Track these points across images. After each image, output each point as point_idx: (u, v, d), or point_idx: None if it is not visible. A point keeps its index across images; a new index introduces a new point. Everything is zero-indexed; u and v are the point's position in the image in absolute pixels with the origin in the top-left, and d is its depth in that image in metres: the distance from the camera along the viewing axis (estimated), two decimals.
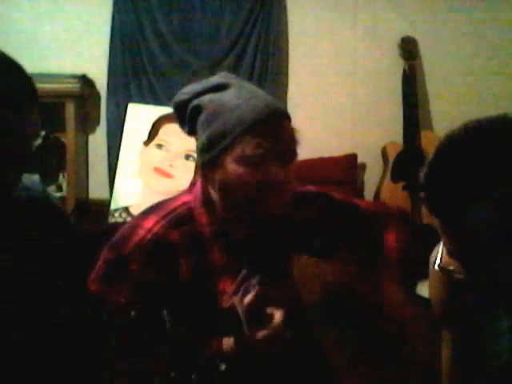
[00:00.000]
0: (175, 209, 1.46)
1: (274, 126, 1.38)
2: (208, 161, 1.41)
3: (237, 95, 1.40)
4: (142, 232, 1.41)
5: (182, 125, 1.49)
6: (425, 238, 1.48)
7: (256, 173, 1.36)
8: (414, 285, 1.62)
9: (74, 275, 1.33)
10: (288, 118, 1.43)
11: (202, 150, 1.41)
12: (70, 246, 1.40)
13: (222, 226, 1.45)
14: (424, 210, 3.29)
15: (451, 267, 1.09)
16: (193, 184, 1.53)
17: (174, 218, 1.44)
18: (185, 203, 1.47)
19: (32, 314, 1.25)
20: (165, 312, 1.05)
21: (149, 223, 1.43)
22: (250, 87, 1.46)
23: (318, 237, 1.52)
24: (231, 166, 1.37)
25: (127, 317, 1.02)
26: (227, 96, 1.40)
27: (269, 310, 1.35)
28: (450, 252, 1.05)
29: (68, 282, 1.29)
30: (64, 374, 1.25)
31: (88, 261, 1.41)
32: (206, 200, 1.46)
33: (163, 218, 1.44)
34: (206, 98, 1.41)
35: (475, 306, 1.16)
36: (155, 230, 1.42)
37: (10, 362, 1.25)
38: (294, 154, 1.41)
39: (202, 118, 1.41)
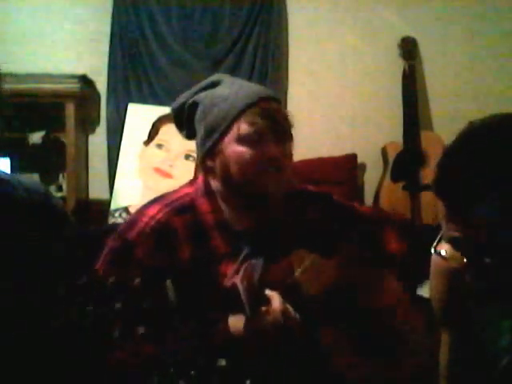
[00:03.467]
0: (177, 199, 1.51)
1: (267, 108, 1.45)
2: (208, 149, 1.46)
3: (229, 87, 1.48)
4: (145, 219, 1.46)
5: (181, 128, 1.56)
6: (424, 239, 1.48)
7: (254, 150, 1.42)
8: (415, 286, 1.62)
9: (73, 276, 1.33)
10: (280, 103, 1.51)
11: (202, 141, 1.47)
12: (71, 248, 1.40)
13: (224, 214, 1.49)
14: (424, 210, 3.30)
15: (446, 254, 1.09)
16: (194, 179, 1.57)
17: (177, 206, 1.49)
18: (187, 194, 1.52)
19: (32, 314, 1.25)
20: (168, 282, 1.05)
21: (152, 211, 1.47)
22: (241, 80, 1.55)
23: (319, 235, 1.53)
24: (230, 148, 1.43)
25: (131, 283, 1.02)
26: (220, 89, 1.49)
27: (266, 292, 1.37)
28: (451, 239, 1.05)
29: (68, 282, 1.29)
30: (66, 371, 1.25)
31: (87, 260, 1.42)
32: (208, 190, 1.50)
33: (166, 206, 1.48)
34: (201, 95, 1.50)
35: (475, 305, 1.16)
36: (158, 217, 1.46)
37: (11, 362, 1.25)
38: (290, 134, 1.48)
39: (198, 112, 1.48)
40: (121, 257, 1.43)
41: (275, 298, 1.37)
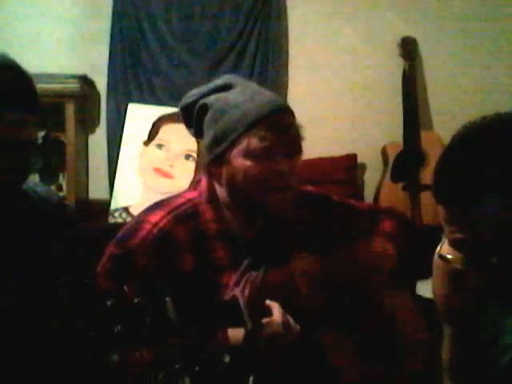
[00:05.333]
0: (181, 205, 1.48)
1: (279, 121, 1.42)
2: (215, 157, 1.43)
3: (241, 93, 1.44)
4: (148, 226, 1.43)
5: (189, 126, 1.52)
6: (424, 238, 1.48)
7: (262, 166, 1.39)
8: (414, 285, 1.62)
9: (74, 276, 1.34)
10: (292, 114, 1.47)
11: (209, 147, 1.44)
12: (71, 248, 1.41)
13: (227, 223, 1.47)
14: (424, 210, 3.30)
15: (450, 256, 1.09)
16: (197, 182, 1.55)
17: (180, 214, 1.46)
18: (190, 200, 1.50)
19: (32, 314, 1.25)
20: (168, 299, 1.04)
21: (155, 218, 1.45)
22: (254, 86, 1.51)
23: (319, 237, 1.52)
24: (238, 161, 1.40)
25: (131, 303, 1.02)
26: (232, 94, 1.44)
27: (267, 303, 1.36)
28: (453, 242, 1.05)
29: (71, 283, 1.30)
30: (64, 371, 1.25)
31: (89, 263, 1.42)
32: (212, 197, 1.48)
33: (169, 213, 1.46)
34: (212, 98, 1.45)
35: (478, 304, 1.16)
36: (161, 224, 1.43)
37: (11, 361, 1.25)
38: (299, 147, 1.44)
39: (208, 116, 1.45)
40: (121, 265, 1.40)
41: (276, 309, 1.35)
